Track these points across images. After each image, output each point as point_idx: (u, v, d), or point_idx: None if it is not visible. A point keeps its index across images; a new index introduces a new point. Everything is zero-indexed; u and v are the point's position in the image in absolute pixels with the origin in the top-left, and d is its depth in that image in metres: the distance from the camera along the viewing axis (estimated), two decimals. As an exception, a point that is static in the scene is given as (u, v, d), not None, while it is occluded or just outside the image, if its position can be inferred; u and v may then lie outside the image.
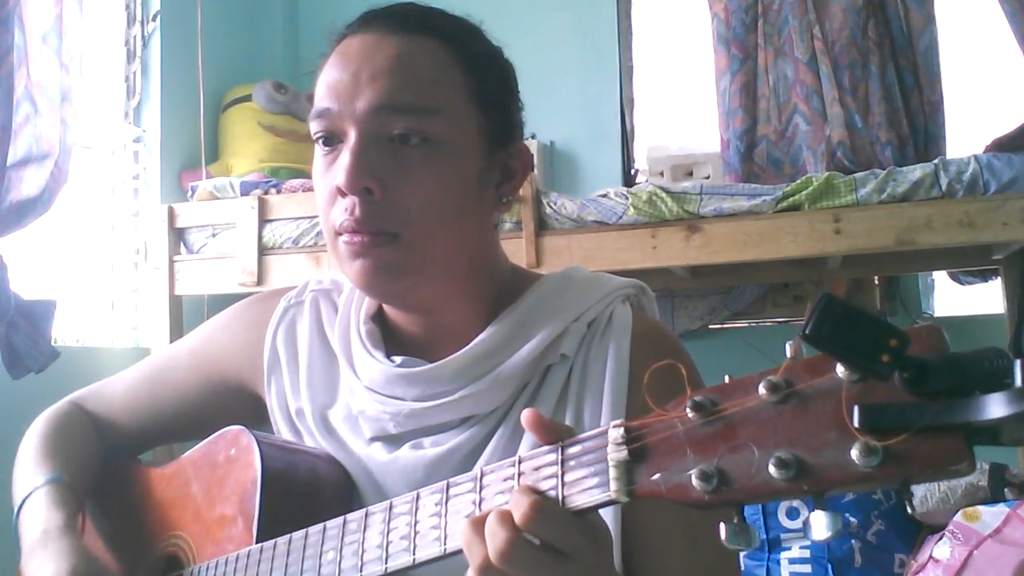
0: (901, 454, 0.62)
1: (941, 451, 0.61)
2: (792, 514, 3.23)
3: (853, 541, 3.16)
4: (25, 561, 1.29)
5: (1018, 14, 3.49)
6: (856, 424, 0.64)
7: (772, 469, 0.67)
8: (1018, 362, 0.56)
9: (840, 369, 0.66)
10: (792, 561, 3.22)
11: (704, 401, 0.73)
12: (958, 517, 2.94)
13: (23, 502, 1.37)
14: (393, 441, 1.26)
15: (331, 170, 1.18)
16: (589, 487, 0.81)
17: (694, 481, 0.72)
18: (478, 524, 0.85)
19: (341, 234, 1.17)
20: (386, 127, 1.15)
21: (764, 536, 3.25)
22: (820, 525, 0.65)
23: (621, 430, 0.80)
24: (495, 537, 0.83)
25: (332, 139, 1.19)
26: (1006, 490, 3.07)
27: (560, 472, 0.84)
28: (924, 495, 3.17)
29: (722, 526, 0.72)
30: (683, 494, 0.74)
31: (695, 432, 0.74)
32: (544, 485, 0.85)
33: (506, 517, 0.83)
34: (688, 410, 0.74)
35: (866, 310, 0.62)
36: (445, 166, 1.17)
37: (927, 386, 0.61)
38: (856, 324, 0.62)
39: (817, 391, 0.68)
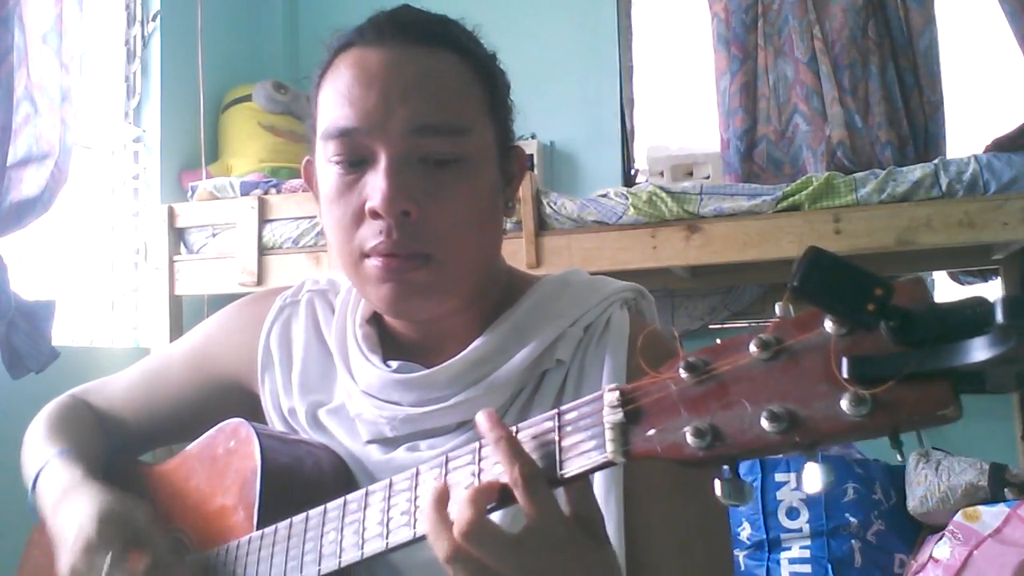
0: (889, 402, 0.63)
1: (928, 397, 0.62)
2: (792, 514, 3.23)
3: (853, 541, 3.16)
4: (50, 519, 1.29)
5: (1018, 14, 3.49)
6: (845, 375, 0.65)
7: (764, 423, 0.68)
8: (999, 302, 0.57)
9: (828, 324, 0.67)
10: (792, 561, 3.23)
11: (696, 362, 0.74)
12: (958, 517, 2.94)
13: (37, 476, 1.38)
14: (389, 443, 1.26)
15: (354, 190, 1.15)
16: (586, 450, 0.82)
17: (688, 438, 0.73)
18: (440, 502, 0.89)
19: (369, 256, 1.15)
20: (419, 148, 1.13)
21: (764, 536, 3.25)
22: (813, 477, 0.66)
23: (616, 393, 0.81)
24: (463, 514, 0.85)
25: (356, 160, 1.15)
26: (1006, 490, 3.07)
27: (557, 438, 0.85)
28: (924, 495, 3.17)
29: (717, 483, 0.73)
30: (677, 452, 0.74)
31: (688, 392, 0.75)
32: (541, 451, 0.86)
33: (476, 495, 0.86)
34: (681, 371, 0.75)
35: (852, 262, 0.62)
36: (474, 183, 1.16)
37: (912, 335, 0.62)
38: (842, 275, 0.63)
39: (806, 346, 0.68)
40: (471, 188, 1.16)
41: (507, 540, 0.84)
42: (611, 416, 0.80)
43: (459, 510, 0.84)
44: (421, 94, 1.13)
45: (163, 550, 1.19)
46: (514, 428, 0.89)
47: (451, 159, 1.14)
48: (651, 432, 0.76)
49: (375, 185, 1.12)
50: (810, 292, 0.63)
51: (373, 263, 1.15)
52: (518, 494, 0.84)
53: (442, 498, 0.88)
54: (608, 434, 0.79)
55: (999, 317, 0.57)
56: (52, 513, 1.29)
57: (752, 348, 0.70)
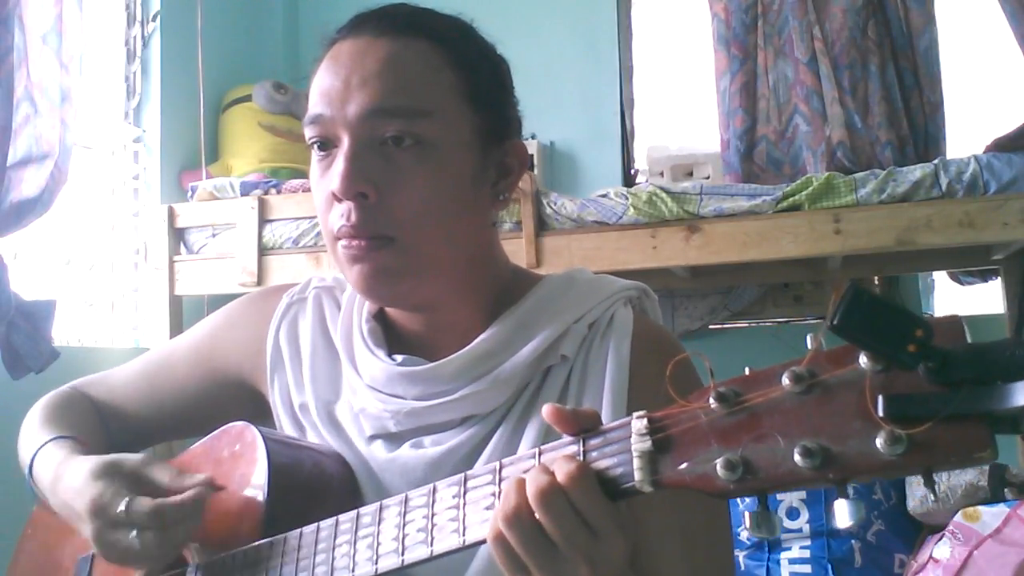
0: (925, 442, 0.63)
1: (965, 439, 0.62)
2: (792, 514, 3.23)
3: (853, 541, 3.17)
4: (53, 500, 1.29)
5: (1018, 14, 3.49)
6: (881, 413, 0.65)
7: (797, 458, 0.68)
8: None
9: (863, 360, 0.67)
10: (792, 561, 3.23)
11: (728, 392, 0.74)
12: (958, 517, 2.94)
13: (32, 462, 1.37)
14: (393, 439, 1.26)
15: (327, 175, 1.18)
16: (612, 477, 0.82)
17: (719, 470, 0.73)
18: (520, 480, 0.86)
19: (340, 239, 1.17)
20: (378, 131, 1.15)
21: (764, 536, 3.25)
22: (843, 513, 0.66)
23: (645, 421, 0.80)
24: (539, 479, 0.83)
25: (326, 144, 1.19)
26: (1006, 490, 3.07)
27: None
28: (924, 495, 3.17)
29: (746, 515, 0.73)
30: (708, 483, 0.74)
31: (719, 422, 0.75)
32: None
33: (549, 469, 0.84)
34: (712, 401, 0.75)
35: (891, 301, 0.63)
36: (439, 167, 1.17)
37: (951, 376, 0.62)
38: (883, 315, 0.63)
39: (841, 381, 0.68)
40: (434, 172, 1.17)
41: (577, 521, 0.83)
42: (639, 444, 0.79)
43: (533, 476, 0.84)
44: (380, 78, 1.16)
45: (165, 479, 1.19)
46: (536, 451, 0.89)
47: (410, 142, 1.16)
48: (682, 464, 0.76)
49: (336, 168, 1.16)
50: (850, 331, 0.63)
51: (342, 245, 1.18)
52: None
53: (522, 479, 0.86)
54: (636, 462, 0.79)
55: None
56: (52, 493, 1.29)
57: (785, 381, 0.70)
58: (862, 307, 0.62)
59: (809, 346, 0.70)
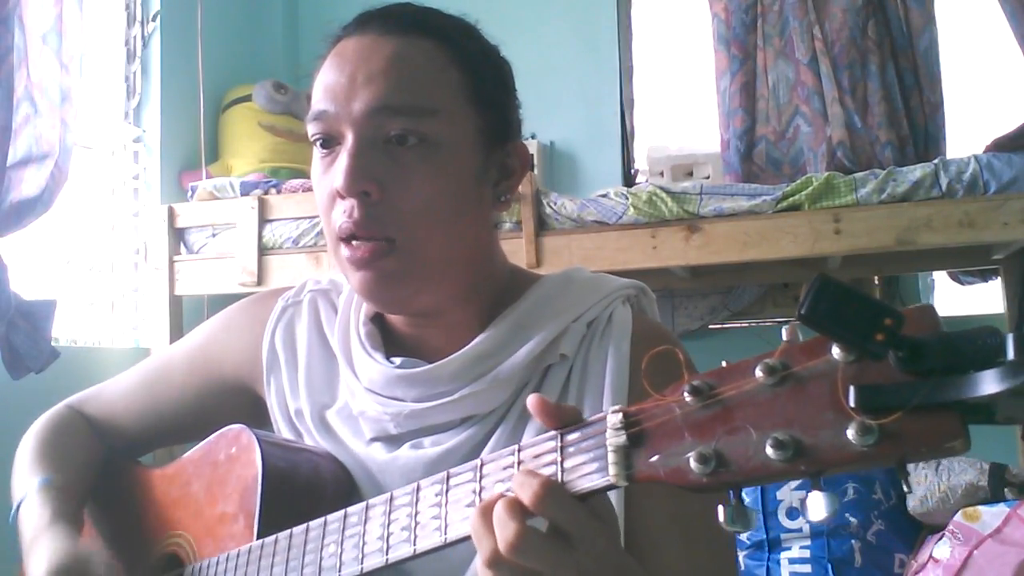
0: (896, 432, 0.62)
1: (936, 429, 0.61)
2: (792, 514, 3.23)
3: (853, 541, 3.16)
4: (26, 560, 1.30)
5: (1018, 14, 3.49)
6: (852, 404, 0.64)
7: (769, 450, 0.67)
8: (1010, 337, 0.56)
9: (835, 351, 0.66)
10: (792, 561, 3.22)
11: (701, 385, 0.74)
12: (958, 517, 2.94)
13: (19, 505, 1.38)
14: (393, 441, 1.26)
15: (329, 172, 1.18)
16: (588, 472, 0.81)
17: (692, 464, 0.72)
18: (486, 513, 0.84)
19: (343, 239, 1.17)
20: (383, 128, 1.15)
21: (764, 536, 3.24)
22: (818, 506, 0.66)
23: (619, 415, 0.80)
24: (505, 528, 0.81)
25: (330, 141, 1.19)
26: (1006, 490, 3.06)
27: (559, 459, 0.84)
28: (924, 495, 3.16)
29: (720, 508, 0.72)
30: (681, 477, 0.74)
31: (693, 416, 0.74)
32: (544, 472, 0.84)
33: (514, 505, 0.82)
34: (686, 394, 0.74)
35: (860, 290, 0.62)
36: (442, 166, 1.17)
37: (921, 365, 0.62)
38: (851, 304, 0.62)
39: (813, 373, 0.68)
40: (438, 171, 1.17)
41: (555, 545, 0.81)
42: (614, 439, 0.79)
43: (500, 524, 0.82)
44: (386, 76, 1.15)
45: None
46: (515, 447, 0.89)
47: (415, 140, 1.15)
48: (654, 457, 0.76)
49: (339, 165, 1.15)
50: (818, 320, 0.62)
51: (345, 252, 1.17)
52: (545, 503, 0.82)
53: (487, 508, 0.85)
54: (611, 457, 0.79)
55: (1010, 354, 0.56)
56: (27, 556, 1.30)
57: (758, 373, 0.70)
58: (829, 296, 0.62)
59: (784, 338, 0.70)
